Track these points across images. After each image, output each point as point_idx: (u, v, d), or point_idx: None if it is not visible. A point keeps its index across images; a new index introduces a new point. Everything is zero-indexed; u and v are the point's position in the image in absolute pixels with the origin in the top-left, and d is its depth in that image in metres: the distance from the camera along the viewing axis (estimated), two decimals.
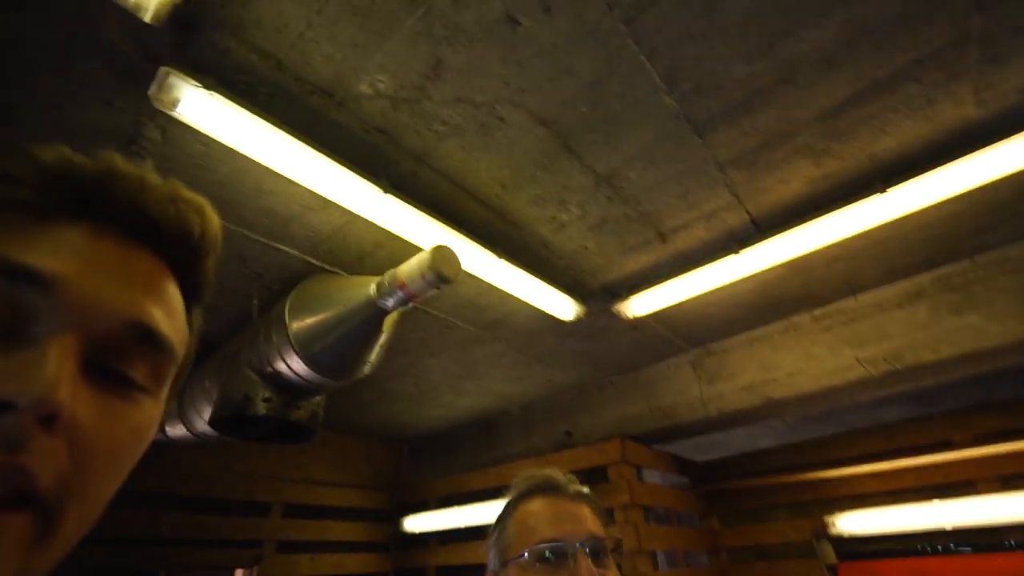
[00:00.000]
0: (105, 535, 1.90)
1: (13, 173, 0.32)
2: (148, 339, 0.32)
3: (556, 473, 0.89)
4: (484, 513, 2.62)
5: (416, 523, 2.95)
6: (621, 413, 2.42)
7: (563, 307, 1.77)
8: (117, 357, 0.31)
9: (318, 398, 1.59)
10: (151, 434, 0.34)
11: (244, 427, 1.55)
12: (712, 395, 2.19)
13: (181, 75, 0.95)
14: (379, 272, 1.50)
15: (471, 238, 1.43)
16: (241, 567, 2.50)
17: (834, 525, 2.19)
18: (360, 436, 3.11)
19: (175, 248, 0.36)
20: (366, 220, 1.35)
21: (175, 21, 0.90)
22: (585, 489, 0.88)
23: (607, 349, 2.23)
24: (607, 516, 0.88)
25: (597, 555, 0.78)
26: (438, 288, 1.25)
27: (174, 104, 0.97)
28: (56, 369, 0.27)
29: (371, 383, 2.34)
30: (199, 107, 1.00)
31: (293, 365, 1.38)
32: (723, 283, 1.70)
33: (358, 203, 1.26)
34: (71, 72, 0.99)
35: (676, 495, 2.61)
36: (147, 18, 0.84)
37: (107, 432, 0.30)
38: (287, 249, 1.49)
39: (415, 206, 1.30)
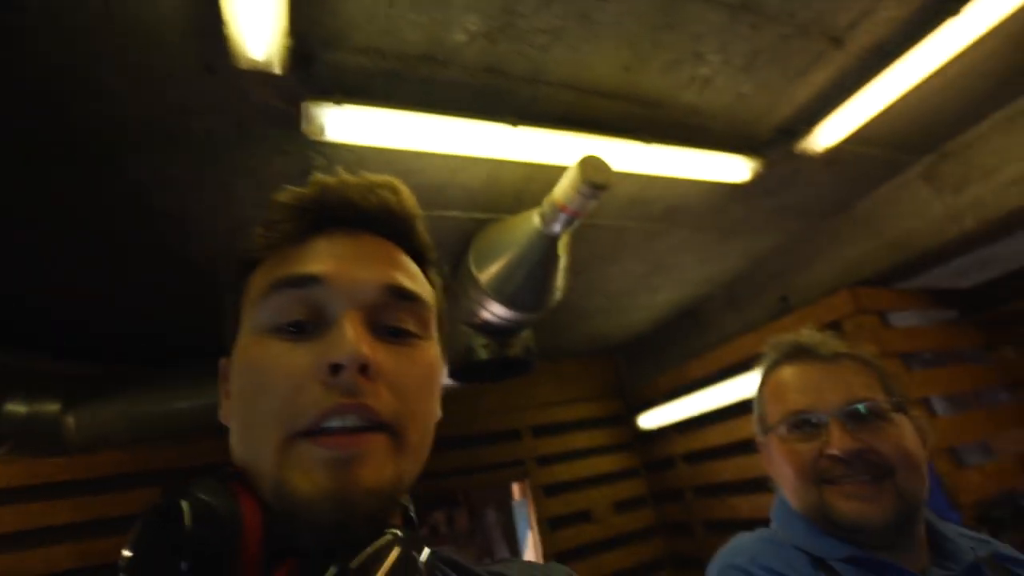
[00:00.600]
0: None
1: (275, 219, 0.43)
2: (401, 295, 0.41)
3: (806, 335, 0.81)
4: (710, 399, 2.63)
5: (649, 419, 3.09)
6: (842, 260, 2.13)
7: (737, 169, 1.59)
8: (388, 315, 0.41)
9: (525, 332, 1.74)
10: (438, 368, 0.44)
11: (475, 373, 1.79)
12: (964, 205, 1.77)
13: (316, 102, 1.08)
14: (539, 204, 1.54)
15: (612, 135, 1.36)
16: (514, 481, 2.98)
17: None
18: (572, 356, 3.33)
19: (387, 225, 0.45)
20: (509, 161, 1.38)
21: (295, 61, 1.00)
22: (844, 347, 0.78)
23: (805, 196, 1.95)
24: (883, 368, 0.77)
25: (862, 419, 0.70)
26: (597, 198, 1.23)
27: (322, 131, 1.11)
28: (355, 334, 0.37)
29: (563, 307, 2.47)
30: (337, 123, 1.12)
31: (494, 310, 1.53)
32: (942, 62, 1.32)
33: (494, 148, 1.30)
34: (250, 142, 1.20)
35: (942, 332, 2.23)
36: (277, 70, 0.96)
37: (405, 370, 0.39)
38: (451, 213, 1.62)
39: (547, 127, 1.28)
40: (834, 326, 2.05)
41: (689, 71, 1.28)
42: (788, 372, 0.79)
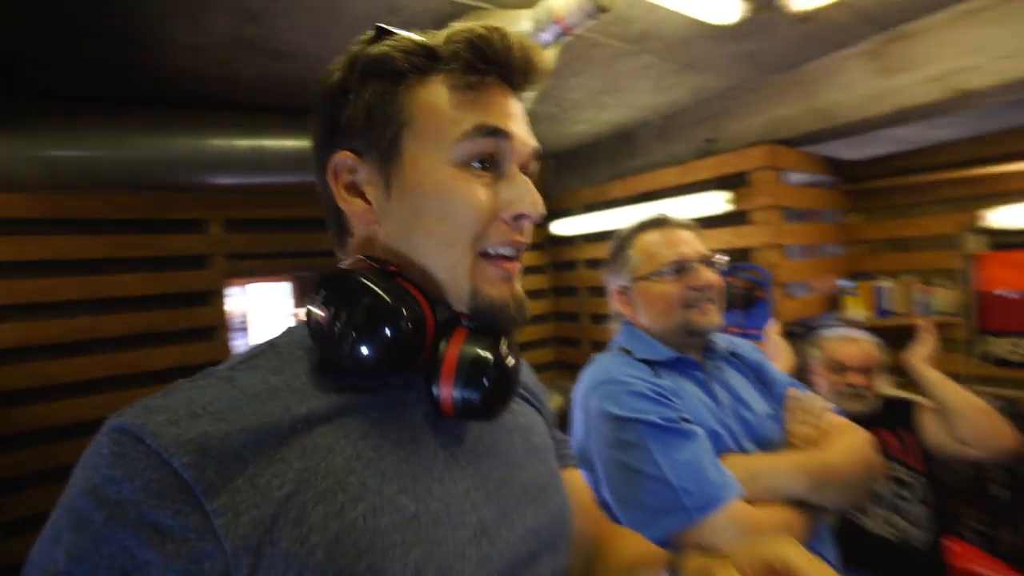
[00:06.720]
0: None
1: (456, 48, 0.48)
2: (535, 155, 0.55)
3: (664, 212, 1.14)
4: (625, 217, 2.94)
5: (563, 227, 3.41)
6: (772, 116, 2.32)
7: (723, 7, 1.59)
8: (526, 169, 0.54)
9: None
10: None
11: None
12: (886, 90, 1.97)
13: None
14: (528, 2, 1.46)
15: None
16: None
17: (984, 218, 2.17)
18: None
19: (529, 85, 0.54)
20: None
21: None
22: (688, 221, 1.12)
23: (768, 47, 2.01)
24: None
25: (710, 265, 1.05)
26: (596, 19, 1.23)
27: None
28: (536, 194, 0.51)
29: None
30: None
31: None
32: None
33: None
34: None
35: (819, 194, 2.66)
36: None
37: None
38: None
39: None
40: (742, 175, 2.35)
41: None
42: (659, 234, 1.09)
